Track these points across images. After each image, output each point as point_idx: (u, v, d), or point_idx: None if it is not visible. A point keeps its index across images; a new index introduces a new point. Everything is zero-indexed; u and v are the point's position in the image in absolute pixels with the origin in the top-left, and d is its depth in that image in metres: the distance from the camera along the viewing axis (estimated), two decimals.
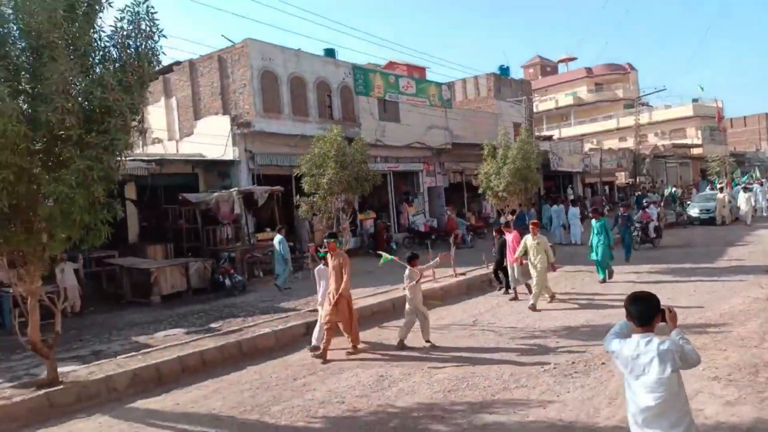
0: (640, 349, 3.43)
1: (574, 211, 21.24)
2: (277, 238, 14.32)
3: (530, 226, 11.79)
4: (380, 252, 11.11)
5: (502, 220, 17.01)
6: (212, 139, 18.17)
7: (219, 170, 18.61)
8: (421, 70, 32.55)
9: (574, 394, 6.40)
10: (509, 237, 12.39)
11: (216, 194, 16.10)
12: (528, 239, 11.48)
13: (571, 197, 28.42)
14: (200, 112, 20.64)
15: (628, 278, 13.40)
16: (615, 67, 59.86)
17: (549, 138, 37.51)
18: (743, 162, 49.84)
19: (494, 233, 13.75)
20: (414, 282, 9.03)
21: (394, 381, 7.37)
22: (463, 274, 14.37)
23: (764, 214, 26.33)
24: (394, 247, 20.57)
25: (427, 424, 5.94)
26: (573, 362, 7.51)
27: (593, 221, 13.75)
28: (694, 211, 25.60)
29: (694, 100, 52.19)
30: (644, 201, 24.31)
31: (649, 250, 18.47)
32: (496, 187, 14.71)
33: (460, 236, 20.29)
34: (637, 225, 18.73)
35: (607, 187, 38.42)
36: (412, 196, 25.64)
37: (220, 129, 18.38)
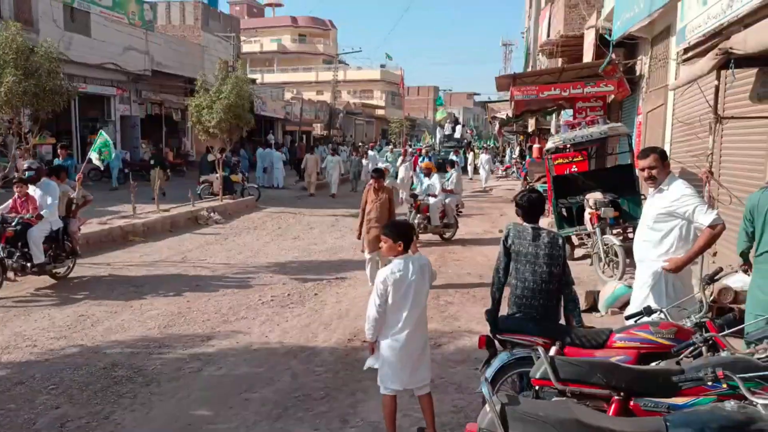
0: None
1: (278, 155, 21.81)
2: None
3: None
4: None
5: (210, 157, 16.47)
6: None
7: None
8: None
9: (293, 322, 6.72)
10: None
11: None
12: None
13: (272, 142, 29.00)
14: None
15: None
16: (319, 22, 62.41)
17: (253, 81, 37.31)
18: (414, 126, 57.80)
19: None
20: None
21: (98, 320, 6.62)
22: (167, 210, 13.54)
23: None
24: (75, 180, 18.33)
25: (144, 358, 5.51)
26: (288, 294, 7.84)
27: None
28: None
29: (382, 66, 58.14)
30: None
31: None
32: (207, 123, 14.05)
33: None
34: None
35: (305, 136, 40.31)
36: (101, 123, 22.80)
37: None
